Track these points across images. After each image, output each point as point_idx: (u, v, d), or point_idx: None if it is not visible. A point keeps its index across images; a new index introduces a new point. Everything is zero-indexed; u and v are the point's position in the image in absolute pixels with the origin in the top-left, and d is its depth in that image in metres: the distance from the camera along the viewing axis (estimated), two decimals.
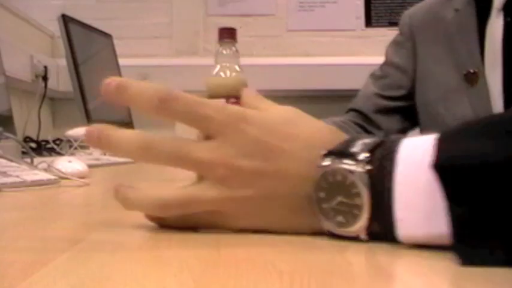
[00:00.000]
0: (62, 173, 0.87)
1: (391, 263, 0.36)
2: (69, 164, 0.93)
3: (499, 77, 1.12)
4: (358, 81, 2.29)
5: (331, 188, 0.42)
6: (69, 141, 1.51)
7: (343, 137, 0.45)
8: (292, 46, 2.38)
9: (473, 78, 1.15)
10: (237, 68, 0.98)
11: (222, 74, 0.96)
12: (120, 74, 2.03)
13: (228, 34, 0.97)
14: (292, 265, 0.35)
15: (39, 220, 0.55)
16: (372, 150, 0.41)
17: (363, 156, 0.41)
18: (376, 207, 0.40)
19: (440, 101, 1.22)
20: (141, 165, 1.47)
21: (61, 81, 2.11)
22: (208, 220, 0.45)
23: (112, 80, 0.45)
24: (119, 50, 2.06)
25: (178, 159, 0.45)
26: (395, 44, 1.43)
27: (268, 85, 2.36)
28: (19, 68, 1.80)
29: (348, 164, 0.41)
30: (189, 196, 0.45)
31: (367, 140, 0.43)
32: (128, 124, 1.99)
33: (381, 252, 0.39)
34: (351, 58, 2.32)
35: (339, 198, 0.41)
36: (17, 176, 0.78)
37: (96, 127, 0.47)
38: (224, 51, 0.97)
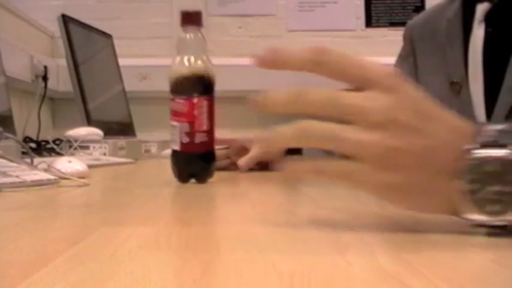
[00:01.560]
0: (62, 173, 0.87)
1: (391, 263, 0.36)
2: (69, 164, 0.93)
3: (481, 86, 1.14)
4: None
5: (485, 178, 0.42)
6: (69, 141, 1.51)
7: (472, 125, 0.45)
8: (292, 46, 2.38)
9: (457, 88, 1.18)
10: (203, 56, 0.91)
11: (186, 62, 0.90)
12: (120, 74, 2.03)
13: (191, 19, 0.92)
14: (292, 265, 0.35)
15: (39, 220, 0.55)
16: None
17: None
18: None
19: None
20: (141, 165, 1.47)
21: (61, 81, 2.11)
22: (345, 170, 0.45)
23: (264, 51, 0.47)
24: (118, 50, 2.06)
25: (331, 103, 0.45)
26: (400, 58, 1.45)
27: (269, 85, 2.36)
28: (19, 68, 1.80)
29: (502, 153, 0.42)
30: (339, 130, 0.44)
31: (502, 127, 0.44)
32: (128, 124, 1.99)
33: (381, 252, 0.39)
34: None
35: (496, 188, 0.42)
36: (17, 176, 0.78)
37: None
38: (188, 36, 0.91)
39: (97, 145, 1.51)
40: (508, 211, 0.42)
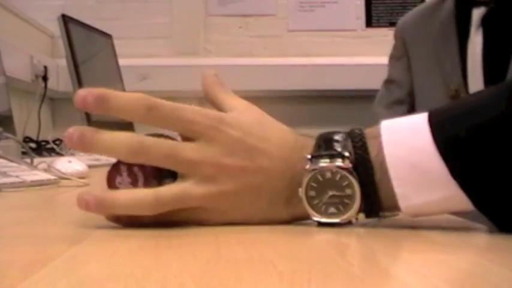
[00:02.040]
0: (62, 173, 0.87)
1: (391, 263, 0.36)
2: (69, 164, 0.93)
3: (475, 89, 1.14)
4: (358, 81, 2.30)
5: (321, 186, 0.48)
6: None
7: (303, 137, 0.51)
8: (292, 46, 2.38)
9: (456, 95, 1.18)
10: None
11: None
12: (120, 74, 2.03)
13: None
14: (292, 265, 0.35)
15: (39, 220, 0.55)
16: (349, 146, 0.48)
17: (346, 153, 0.47)
18: (366, 195, 0.47)
19: None
20: None
21: (61, 81, 2.11)
22: (191, 216, 0.48)
23: (88, 93, 0.47)
24: (119, 50, 2.06)
25: (169, 159, 0.48)
26: (392, 59, 1.44)
27: (269, 85, 2.36)
28: (19, 68, 1.80)
29: (336, 162, 0.47)
30: (183, 192, 0.47)
31: (337, 137, 0.49)
32: (128, 124, 1.99)
33: (381, 252, 0.39)
34: (352, 58, 2.32)
35: (330, 193, 0.48)
36: (17, 176, 0.78)
37: (77, 129, 0.48)
38: None
39: None
40: (344, 212, 0.47)
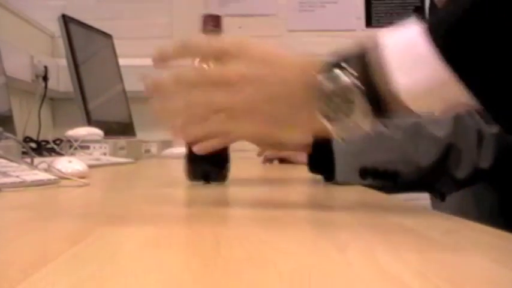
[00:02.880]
0: (62, 173, 0.87)
1: (391, 262, 0.36)
2: (69, 164, 0.93)
3: None
4: None
5: (329, 94, 0.52)
6: (69, 141, 1.50)
7: (314, 57, 0.56)
8: (292, 46, 2.38)
9: None
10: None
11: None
12: (120, 74, 2.03)
13: (212, 22, 0.93)
14: (292, 265, 0.35)
15: (39, 220, 0.55)
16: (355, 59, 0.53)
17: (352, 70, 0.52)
18: (369, 94, 0.51)
19: None
20: (141, 165, 1.47)
21: (61, 81, 2.11)
22: (220, 128, 0.59)
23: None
24: (119, 50, 2.06)
25: (203, 77, 0.60)
26: None
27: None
28: (19, 68, 1.80)
29: (340, 72, 0.52)
30: (210, 97, 0.58)
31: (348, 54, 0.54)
32: (128, 124, 1.99)
33: (381, 252, 0.39)
34: None
35: (337, 100, 0.52)
36: (17, 176, 0.78)
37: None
38: None
39: (97, 145, 1.51)
40: (349, 114, 0.52)
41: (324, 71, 0.53)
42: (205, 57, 0.62)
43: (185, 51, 0.63)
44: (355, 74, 0.51)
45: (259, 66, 0.56)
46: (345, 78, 0.52)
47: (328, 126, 0.53)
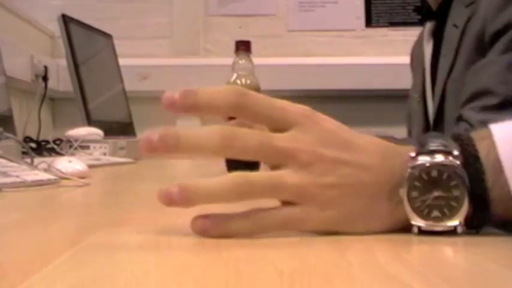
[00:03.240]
0: (62, 173, 0.87)
1: (390, 262, 0.36)
2: (69, 164, 0.93)
3: (431, 98, 1.19)
4: (358, 81, 2.30)
5: (425, 185, 0.44)
6: (69, 141, 1.50)
7: (390, 139, 0.48)
8: (292, 46, 2.38)
9: (418, 101, 1.25)
10: (252, 76, 1.12)
11: (238, 81, 1.10)
12: (120, 74, 2.03)
13: (243, 46, 1.13)
14: (292, 265, 0.35)
15: (39, 220, 0.55)
16: (456, 144, 0.44)
17: (455, 151, 0.43)
18: (475, 197, 0.43)
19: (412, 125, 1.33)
20: (141, 165, 1.47)
21: (61, 81, 2.11)
22: (288, 217, 0.45)
23: (174, 92, 0.45)
24: (119, 50, 2.06)
25: (261, 148, 0.45)
26: None
27: (269, 85, 2.35)
28: (19, 68, 1.80)
29: (443, 159, 0.43)
30: (278, 177, 0.44)
31: (440, 137, 0.46)
32: (128, 124, 1.99)
33: (381, 252, 0.39)
34: (351, 58, 2.32)
35: (435, 194, 0.43)
36: (17, 176, 0.78)
37: (156, 130, 0.45)
38: (240, 62, 1.12)
39: (97, 145, 1.51)
40: (450, 216, 0.43)
41: (417, 158, 0.44)
42: (261, 122, 0.46)
43: (237, 109, 0.46)
44: (458, 165, 0.43)
45: (339, 144, 0.45)
46: (447, 169, 0.43)
47: (416, 222, 0.44)
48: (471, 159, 0.44)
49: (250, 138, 0.44)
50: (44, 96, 1.96)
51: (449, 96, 1.09)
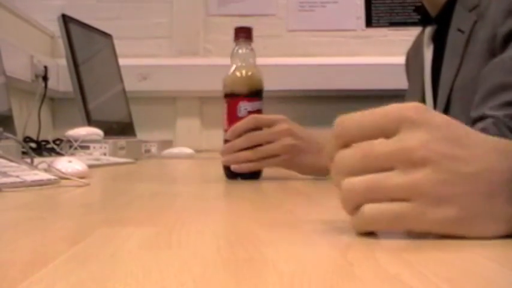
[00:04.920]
0: (62, 173, 0.86)
1: (391, 262, 0.36)
2: (69, 164, 0.93)
3: (431, 105, 1.19)
4: (358, 81, 2.30)
5: None
6: (69, 141, 1.50)
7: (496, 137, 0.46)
8: (292, 46, 2.38)
9: None
10: (253, 67, 1.01)
11: (237, 73, 1.00)
12: (120, 74, 2.03)
13: (244, 33, 1.02)
14: (292, 265, 0.35)
15: (40, 220, 0.55)
16: None
17: None
18: None
19: None
20: (141, 165, 1.47)
21: (61, 81, 2.11)
22: (399, 215, 0.42)
23: None
24: (119, 50, 2.06)
25: (370, 159, 0.43)
26: None
27: (269, 85, 2.36)
28: (19, 68, 1.80)
29: None
30: (381, 179, 0.43)
31: None
32: (128, 124, 1.99)
33: (381, 252, 0.39)
34: (352, 58, 2.32)
35: None
36: (17, 176, 0.78)
37: None
38: (240, 51, 1.01)
39: (97, 145, 1.51)
40: None
41: None
42: (370, 138, 0.44)
43: (342, 138, 0.45)
44: None
45: (448, 141, 0.43)
46: None
47: None
48: None
49: (352, 156, 0.44)
50: (44, 96, 1.97)
51: (455, 103, 1.08)
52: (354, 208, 0.43)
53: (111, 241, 0.43)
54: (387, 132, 0.43)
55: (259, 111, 0.99)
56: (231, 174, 0.97)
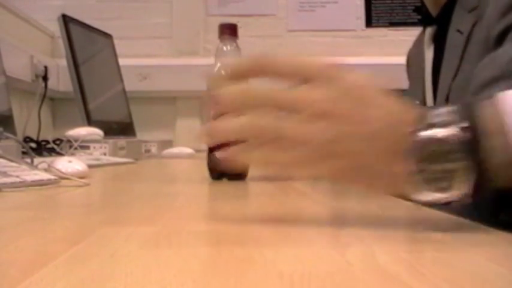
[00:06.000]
0: (62, 173, 0.87)
1: (390, 262, 0.36)
2: (69, 164, 0.93)
3: (432, 103, 1.18)
4: None
5: (428, 158, 0.44)
6: (69, 141, 1.51)
7: (411, 105, 0.48)
8: (292, 46, 2.38)
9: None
10: None
11: (222, 71, 0.94)
12: (120, 74, 2.03)
13: (228, 30, 0.97)
14: (292, 265, 0.35)
15: (39, 220, 0.55)
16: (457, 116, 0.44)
17: (457, 124, 0.44)
18: (476, 167, 0.43)
19: None
20: (141, 165, 1.47)
21: (61, 81, 2.11)
22: (293, 160, 0.46)
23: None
24: (119, 50, 2.06)
25: (277, 98, 0.47)
26: None
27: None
28: (19, 68, 1.80)
29: (443, 133, 0.44)
30: (282, 123, 0.46)
31: (446, 109, 0.45)
32: (128, 124, 1.99)
33: (381, 252, 0.39)
34: (352, 58, 2.32)
35: (437, 167, 0.44)
36: (17, 176, 0.78)
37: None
38: (225, 48, 0.96)
39: (97, 145, 1.51)
40: (453, 187, 0.44)
41: (419, 132, 0.44)
42: (285, 78, 0.48)
43: (260, 70, 0.48)
44: (458, 137, 0.43)
45: (353, 101, 0.46)
46: (448, 142, 0.44)
47: (416, 192, 0.44)
48: (471, 130, 0.44)
49: (264, 88, 0.47)
50: (44, 96, 1.97)
51: (452, 103, 1.08)
52: (253, 146, 0.47)
53: (111, 241, 0.43)
54: (305, 78, 0.47)
55: None
56: (216, 174, 0.92)
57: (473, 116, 0.44)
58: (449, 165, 0.43)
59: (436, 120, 0.45)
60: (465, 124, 0.44)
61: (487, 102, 0.46)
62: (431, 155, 0.44)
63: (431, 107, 0.47)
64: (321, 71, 0.46)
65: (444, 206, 0.44)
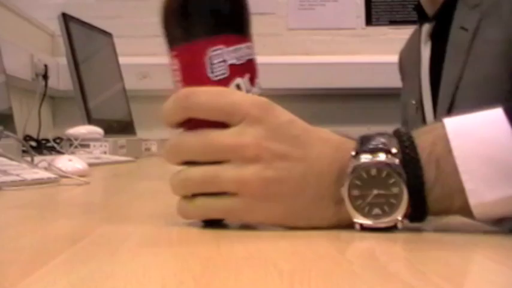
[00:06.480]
0: (62, 171, 0.87)
1: (390, 261, 0.36)
2: (69, 162, 0.93)
3: (430, 104, 1.18)
4: (358, 80, 2.30)
5: (366, 184, 0.44)
6: (69, 139, 1.51)
7: (346, 137, 0.47)
8: (292, 45, 2.38)
9: (417, 107, 1.21)
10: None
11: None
12: (120, 73, 2.03)
13: None
14: (292, 264, 0.35)
15: (40, 219, 0.55)
16: (395, 143, 0.45)
17: (393, 149, 0.44)
18: (414, 194, 0.43)
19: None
20: (141, 164, 1.47)
21: (61, 79, 2.11)
22: (229, 208, 0.46)
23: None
24: (119, 49, 2.05)
25: (205, 150, 0.45)
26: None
27: (269, 84, 2.34)
28: (19, 67, 1.80)
29: (381, 158, 0.44)
30: (214, 172, 0.45)
31: (381, 136, 0.46)
32: (128, 123, 1.99)
33: (381, 252, 0.39)
34: (351, 57, 2.32)
35: (375, 192, 0.44)
36: (17, 175, 0.78)
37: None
38: None
39: (97, 143, 1.51)
40: (390, 213, 0.44)
41: (358, 157, 0.44)
42: (212, 118, 0.45)
43: (188, 112, 0.46)
44: (396, 163, 0.44)
45: (284, 139, 0.45)
46: (386, 167, 0.44)
47: (358, 219, 0.44)
48: (410, 157, 0.44)
49: (191, 140, 0.46)
50: (44, 94, 1.96)
51: (463, 101, 1.06)
52: (186, 196, 0.47)
53: (111, 240, 0.43)
54: (231, 121, 0.45)
55: (249, 66, 0.51)
56: None
57: (412, 144, 0.45)
58: (382, 191, 0.44)
59: (375, 145, 0.45)
60: (403, 150, 0.44)
61: (427, 128, 0.46)
62: (365, 181, 0.44)
63: (365, 135, 0.46)
64: (248, 110, 0.45)
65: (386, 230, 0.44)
